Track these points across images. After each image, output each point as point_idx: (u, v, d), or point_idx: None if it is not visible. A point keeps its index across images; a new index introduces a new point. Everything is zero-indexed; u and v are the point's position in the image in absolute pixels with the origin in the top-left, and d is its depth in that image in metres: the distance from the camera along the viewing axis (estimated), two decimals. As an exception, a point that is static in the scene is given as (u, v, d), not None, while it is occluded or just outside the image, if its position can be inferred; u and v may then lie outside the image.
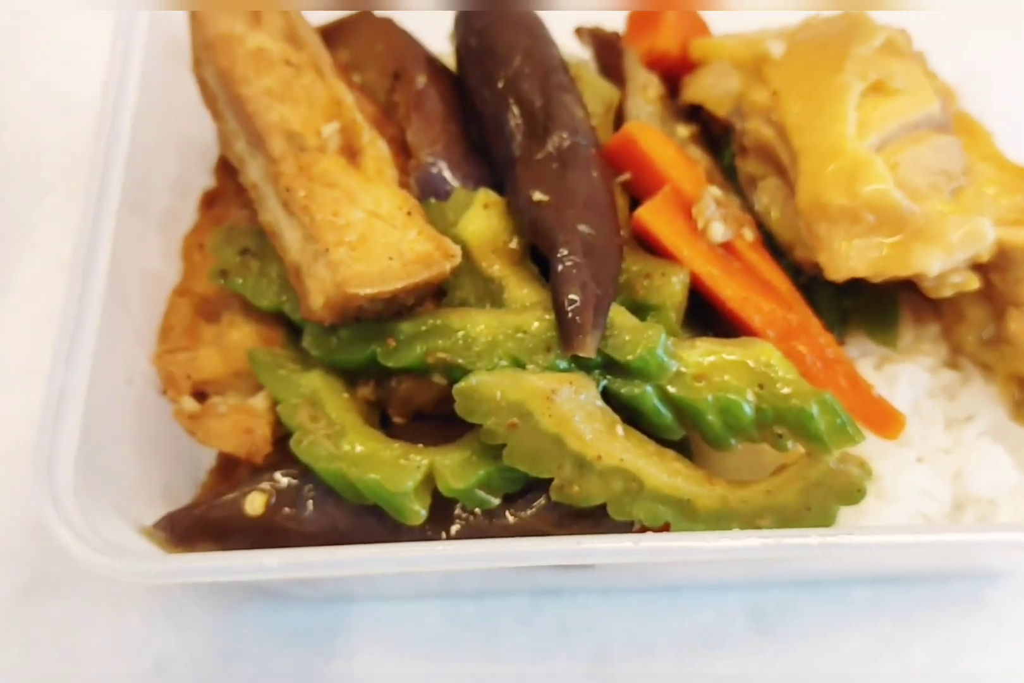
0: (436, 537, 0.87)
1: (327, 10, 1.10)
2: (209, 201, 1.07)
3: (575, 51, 1.14)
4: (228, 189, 1.06)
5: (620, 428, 0.85)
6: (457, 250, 0.88)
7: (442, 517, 0.87)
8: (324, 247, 0.86)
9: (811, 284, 0.98)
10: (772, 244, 0.99)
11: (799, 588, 1.06)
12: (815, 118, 0.93)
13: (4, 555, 1.08)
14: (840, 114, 0.92)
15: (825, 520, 0.85)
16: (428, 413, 0.92)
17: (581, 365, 0.86)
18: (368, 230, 0.88)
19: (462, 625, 1.06)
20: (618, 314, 0.87)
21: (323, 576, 0.83)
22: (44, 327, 1.21)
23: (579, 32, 1.14)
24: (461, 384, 0.83)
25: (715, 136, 1.08)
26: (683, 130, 1.06)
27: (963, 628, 1.05)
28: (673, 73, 1.10)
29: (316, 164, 0.92)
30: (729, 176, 1.05)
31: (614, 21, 1.16)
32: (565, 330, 0.84)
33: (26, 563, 1.08)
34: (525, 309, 0.88)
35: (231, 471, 0.95)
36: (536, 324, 0.86)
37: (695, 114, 1.09)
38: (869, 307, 0.98)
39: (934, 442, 0.95)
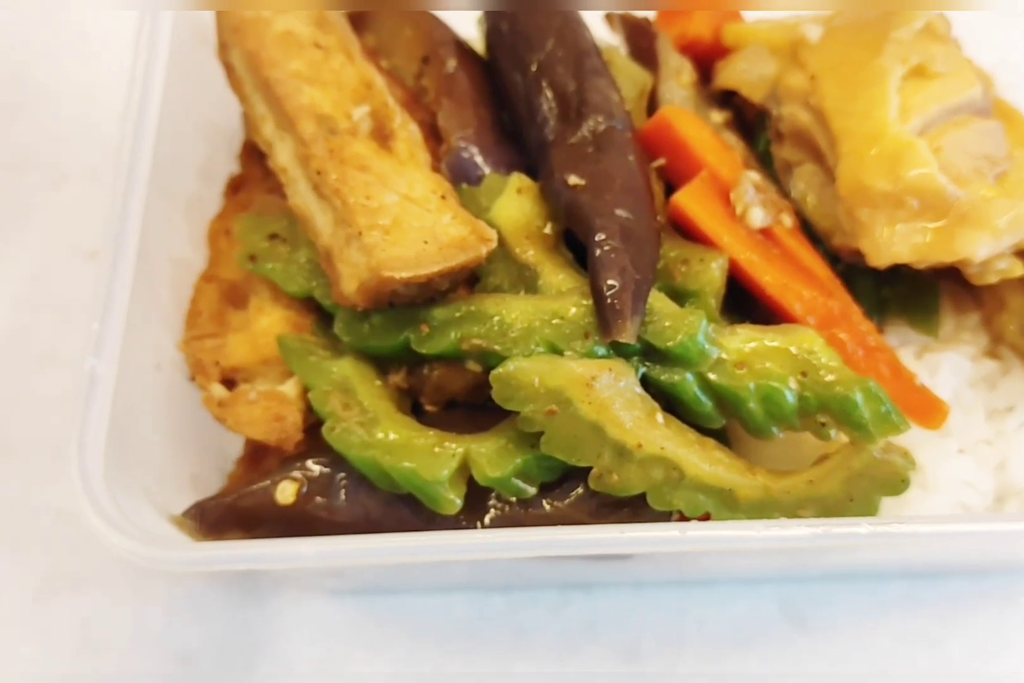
0: (471, 527, 0.85)
1: (353, 9, 1.09)
2: (235, 187, 1.06)
3: (605, 37, 1.12)
4: (254, 174, 1.05)
5: (660, 416, 0.83)
6: (493, 234, 0.86)
7: (477, 506, 0.85)
8: (357, 231, 0.84)
9: (849, 272, 0.97)
10: (809, 231, 0.98)
11: (833, 582, 1.05)
12: (855, 102, 0.91)
13: (26, 546, 1.07)
14: (881, 98, 0.90)
15: (868, 510, 0.83)
16: (461, 401, 0.91)
17: (619, 352, 0.84)
18: (402, 214, 0.86)
19: (489, 619, 1.04)
20: (657, 300, 0.85)
21: (359, 564, 0.81)
22: (59, 315, 1.21)
23: (609, 18, 1.12)
24: (499, 370, 0.82)
25: (748, 123, 1.07)
26: (717, 116, 1.04)
27: (1000, 624, 1.03)
28: (705, 59, 1.09)
29: (347, 147, 0.90)
30: (764, 163, 1.03)
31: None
32: (604, 316, 0.83)
33: (48, 554, 1.06)
34: (561, 295, 0.87)
35: (260, 459, 0.94)
36: (573, 310, 0.85)
37: (728, 100, 1.07)
38: (908, 295, 0.97)
39: (975, 433, 0.94)
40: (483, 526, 0.85)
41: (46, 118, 1.38)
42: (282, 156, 0.94)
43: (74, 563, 1.05)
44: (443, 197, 0.88)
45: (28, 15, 1.41)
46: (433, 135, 0.99)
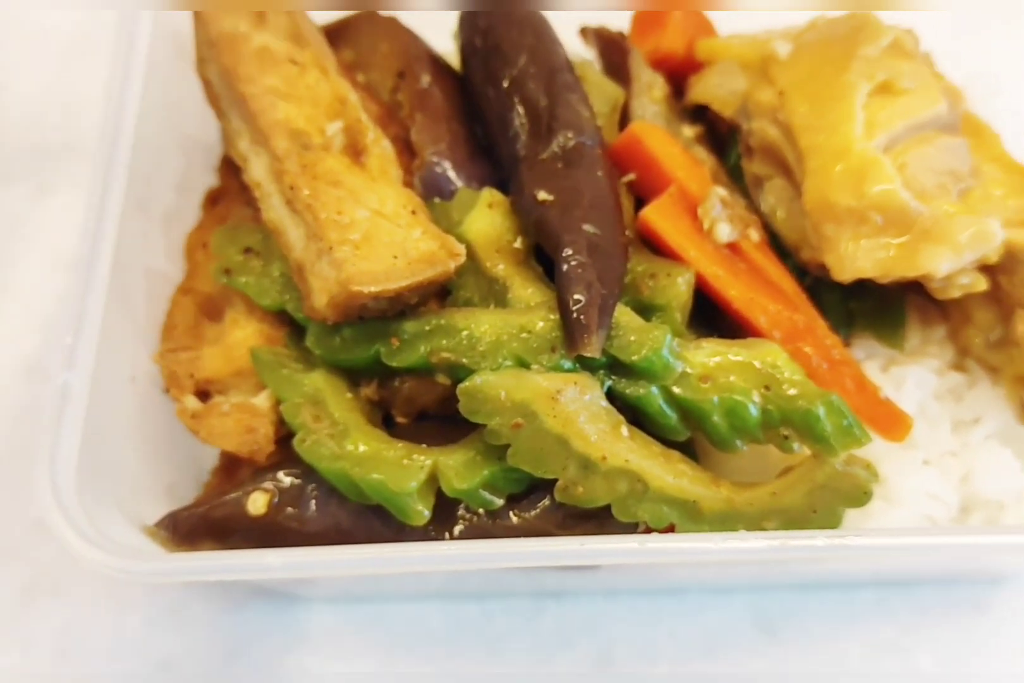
0: (439, 537, 0.86)
1: (330, 10, 1.10)
2: (212, 200, 1.07)
3: (579, 51, 1.13)
4: (231, 188, 1.06)
5: (625, 429, 0.84)
6: (462, 249, 0.87)
7: (445, 517, 0.86)
8: (328, 245, 0.86)
9: (816, 285, 0.98)
10: (777, 245, 0.99)
11: (803, 591, 1.06)
12: (822, 118, 0.93)
13: (5, 555, 1.08)
14: (847, 114, 0.91)
15: (831, 522, 0.84)
16: (431, 413, 0.92)
17: (586, 365, 0.85)
18: (372, 229, 0.87)
19: (464, 627, 1.05)
20: (623, 314, 0.86)
21: (327, 575, 0.82)
22: (43, 326, 1.22)
23: (584, 32, 1.14)
24: (465, 384, 0.83)
25: (720, 137, 1.08)
26: (688, 130, 1.05)
27: (968, 632, 1.04)
28: (678, 73, 1.10)
29: (320, 163, 0.91)
30: (734, 177, 1.04)
31: (619, 21, 1.16)
32: (570, 330, 0.84)
33: (27, 563, 1.07)
34: (530, 309, 0.88)
35: (234, 470, 0.95)
36: (541, 324, 0.86)
37: (700, 114, 1.08)
38: (875, 309, 0.98)
39: (941, 445, 0.94)
40: (452, 537, 0.86)
41: (31, 130, 1.39)
42: (256, 171, 0.95)
43: (53, 572, 1.06)
44: (413, 212, 0.89)
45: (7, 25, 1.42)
46: (407, 150, 1.00)
